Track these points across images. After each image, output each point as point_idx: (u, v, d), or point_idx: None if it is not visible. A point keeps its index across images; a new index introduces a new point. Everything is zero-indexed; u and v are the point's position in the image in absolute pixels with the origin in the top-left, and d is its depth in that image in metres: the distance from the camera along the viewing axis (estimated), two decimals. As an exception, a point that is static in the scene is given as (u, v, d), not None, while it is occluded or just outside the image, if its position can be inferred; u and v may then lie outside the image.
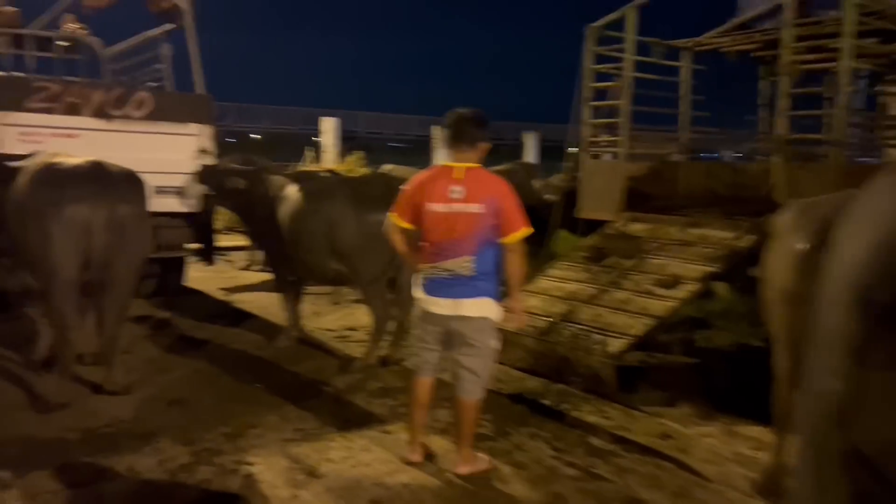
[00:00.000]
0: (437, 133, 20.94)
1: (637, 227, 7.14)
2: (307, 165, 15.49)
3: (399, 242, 3.91)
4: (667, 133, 8.91)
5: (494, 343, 3.79)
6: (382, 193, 5.46)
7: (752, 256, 6.26)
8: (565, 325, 5.65)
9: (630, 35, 7.40)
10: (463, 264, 3.61)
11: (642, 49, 7.92)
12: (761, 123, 9.91)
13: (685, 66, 8.66)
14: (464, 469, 3.82)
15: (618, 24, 7.59)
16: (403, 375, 5.49)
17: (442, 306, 3.71)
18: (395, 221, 3.88)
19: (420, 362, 3.95)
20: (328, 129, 18.58)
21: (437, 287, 3.72)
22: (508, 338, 5.33)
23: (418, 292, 3.82)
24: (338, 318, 7.30)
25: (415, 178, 3.89)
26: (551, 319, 5.78)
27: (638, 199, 7.71)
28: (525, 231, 3.65)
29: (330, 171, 10.35)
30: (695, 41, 8.52)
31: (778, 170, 6.16)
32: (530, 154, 23.82)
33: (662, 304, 5.62)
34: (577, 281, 6.35)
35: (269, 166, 6.46)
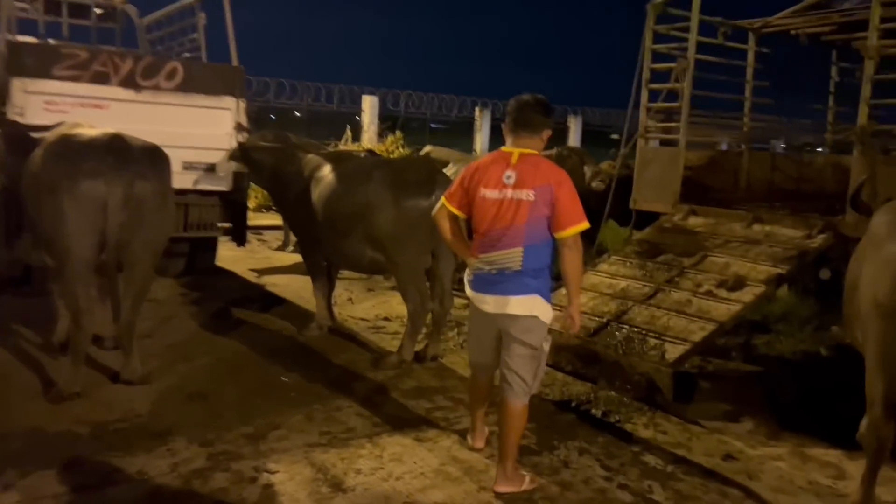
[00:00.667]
0: (480, 114, 20.42)
1: (696, 222, 6.61)
2: (346, 144, 15.17)
3: (447, 230, 3.62)
4: (728, 120, 8.32)
5: (546, 345, 3.50)
6: (423, 177, 5.07)
7: (824, 257, 5.75)
8: (617, 327, 5.20)
9: (695, 12, 6.82)
10: (511, 257, 3.36)
11: (705, 29, 7.33)
12: (830, 113, 9.27)
13: (751, 48, 8.05)
14: (504, 487, 3.48)
15: (681, 1, 7.03)
16: (440, 374, 5.11)
17: (488, 303, 3.48)
18: (447, 206, 3.59)
19: (474, 363, 3.82)
20: (368, 108, 18.21)
21: (483, 283, 3.49)
22: (554, 338, 4.92)
23: (466, 288, 3.61)
24: (372, 305, 6.94)
25: (472, 163, 3.63)
26: (602, 319, 5.32)
27: (696, 190, 7.19)
28: (583, 225, 3.35)
29: (369, 150, 10.01)
30: (764, 21, 7.90)
31: (860, 165, 5.58)
32: (574, 138, 23.19)
33: (725, 308, 5.13)
34: (630, 278, 5.87)
35: (304, 144, 6.08)
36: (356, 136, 16.39)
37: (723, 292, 5.34)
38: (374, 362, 5.20)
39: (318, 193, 5.37)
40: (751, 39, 8.05)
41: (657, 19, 7.12)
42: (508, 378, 3.46)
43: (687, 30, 7.18)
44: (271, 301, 6.93)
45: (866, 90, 5.64)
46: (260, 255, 9.35)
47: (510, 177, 3.35)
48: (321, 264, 5.77)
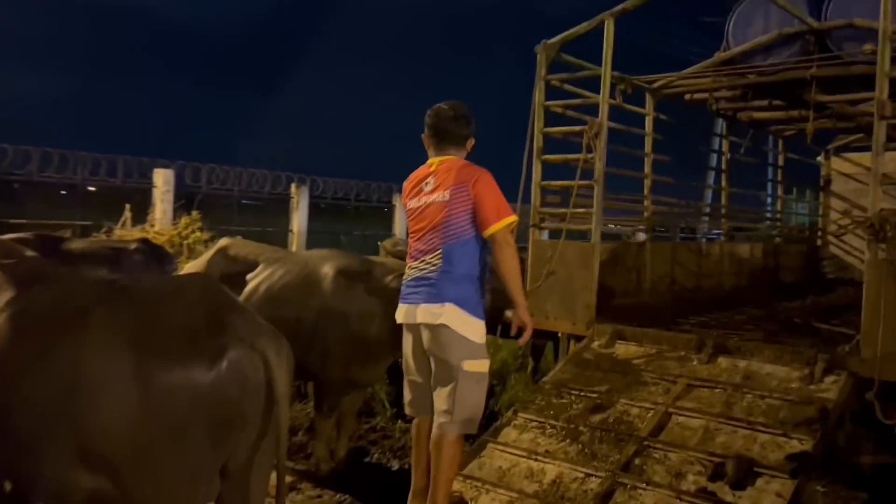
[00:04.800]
0: (296, 190, 17.98)
1: (627, 351, 4.56)
2: (124, 228, 12.05)
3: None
4: (626, 203, 6.54)
5: (469, 366, 3.16)
6: (199, 319, 2.53)
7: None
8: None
9: (607, 59, 4.94)
10: (432, 260, 3.25)
11: (596, 84, 5.50)
12: (724, 194, 7.86)
13: (649, 113, 6.38)
14: None
15: (582, 42, 5.16)
16: None
17: (404, 314, 3.35)
18: None
19: (407, 399, 3.50)
20: (161, 183, 15.18)
21: (404, 293, 3.38)
22: None
23: None
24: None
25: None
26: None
27: (601, 297, 5.20)
28: (509, 220, 3.21)
29: (142, 240, 7.20)
30: (666, 80, 6.27)
31: (879, 272, 3.77)
32: (400, 219, 21.32)
33: (745, 526, 3.00)
34: (561, 459, 3.61)
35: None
36: (140, 217, 13.24)
37: (725, 491, 3.21)
38: None
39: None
40: (648, 102, 6.37)
41: (549, 66, 5.17)
42: (435, 404, 3.26)
43: (581, 83, 5.34)
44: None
45: (882, 165, 3.90)
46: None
47: (428, 183, 3.33)
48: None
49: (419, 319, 3.25)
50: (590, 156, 4.77)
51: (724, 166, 7.70)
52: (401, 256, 10.27)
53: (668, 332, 4.62)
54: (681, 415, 3.80)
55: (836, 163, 9.73)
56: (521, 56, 5.83)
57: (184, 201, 14.54)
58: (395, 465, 5.17)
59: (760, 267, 8.43)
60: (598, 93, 5.22)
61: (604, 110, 4.87)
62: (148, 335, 2.38)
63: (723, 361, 4.22)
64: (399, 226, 19.20)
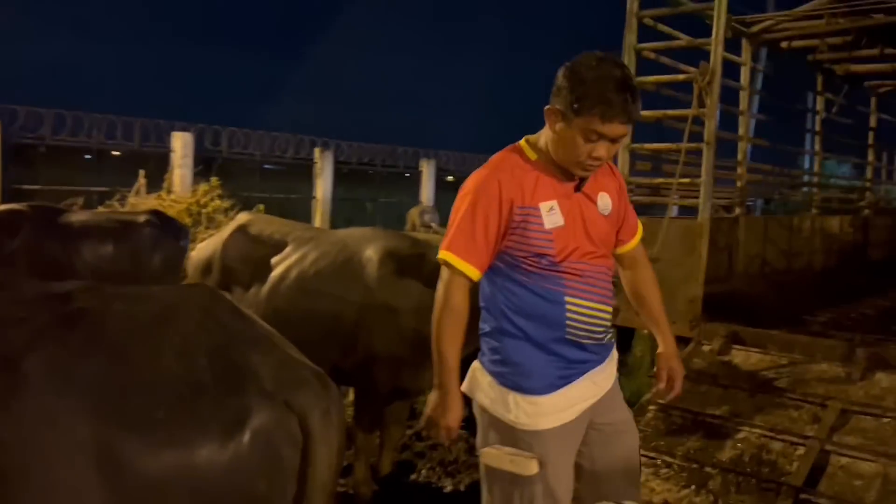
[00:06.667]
0: (320, 155, 17.10)
1: (748, 359, 3.61)
2: (138, 195, 11.25)
3: None
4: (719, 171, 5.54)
5: (483, 455, 2.06)
6: (201, 360, 1.64)
7: None
8: None
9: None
10: None
11: (688, 25, 4.49)
12: (816, 160, 6.83)
13: (745, 62, 5.35)
14: None
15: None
16: None
17: None
18: None
19: None
20: (180, 147, 14.37)
21: None
22: None
23: None
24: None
25: None
26: None
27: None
28: (442, 255, 2.02)
29: (153, 212, 6.35)
30: (770, 21, 5.22)
31: None
32: (428, 186, 20.38)
33: None
34: (688, 515, 2.73)
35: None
36: (157, 183, 12.42)
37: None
38: None
39: None
40: (745, 49, 5.34)
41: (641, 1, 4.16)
42: None
43: (674, 24, 4.33)
44: None
45: None
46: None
47: None
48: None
49: None
50: (701, 110, 3.78)
51: (817, 127, 6.66)
52: (429, 226, 9.29)
53: (801, 335, 3.67)
54: (843, 454, 2.88)
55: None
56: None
57: (202, 167, 13.72)
58: (448, 485, 4.32)
59: (850, 243, 7.43)
60: (690, 37, 4.23)
61: (717, 54, 3.86)
62: (118, 395, 1.49)
63: (883, 379, 3.27)
64: (426, 193, 18.34)
